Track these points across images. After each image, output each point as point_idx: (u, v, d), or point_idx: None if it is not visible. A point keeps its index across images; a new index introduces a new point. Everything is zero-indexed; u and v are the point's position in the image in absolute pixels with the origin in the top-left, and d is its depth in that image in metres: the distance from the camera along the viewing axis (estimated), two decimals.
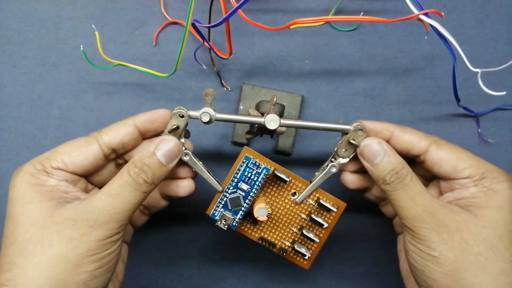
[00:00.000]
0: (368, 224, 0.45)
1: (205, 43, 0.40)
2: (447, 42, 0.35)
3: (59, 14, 0.44)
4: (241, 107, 0.43)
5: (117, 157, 0.36)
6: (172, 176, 0.37)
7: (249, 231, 0.38)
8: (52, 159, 0.33)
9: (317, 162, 0.44)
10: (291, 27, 0.35)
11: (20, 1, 0.44)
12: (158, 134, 0.35)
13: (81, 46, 0.40)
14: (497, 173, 0.33)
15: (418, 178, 0.33)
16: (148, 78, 0.44)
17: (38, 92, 0.44)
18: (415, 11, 0.34)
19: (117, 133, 0.34)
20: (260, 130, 0.38)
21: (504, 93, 0.38)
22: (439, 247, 0.31)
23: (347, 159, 0.36)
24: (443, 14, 0.35)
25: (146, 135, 0.35)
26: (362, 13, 0.43)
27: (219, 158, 0.44)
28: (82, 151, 0.33)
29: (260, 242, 0.38)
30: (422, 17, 0.34)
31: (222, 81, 0.43)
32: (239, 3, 0.34)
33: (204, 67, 0.43)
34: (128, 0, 0.44)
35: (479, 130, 0.44)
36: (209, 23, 0.40)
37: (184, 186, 0.36)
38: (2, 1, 0.44)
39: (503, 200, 0.32)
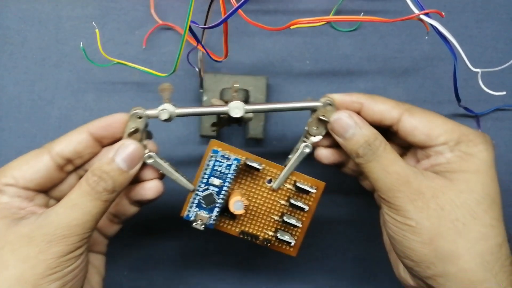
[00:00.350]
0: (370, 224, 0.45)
1: (199, 45, 0.39)
2: (448, 42, 0.35)
3: (59, 14, 0.44)
4: (204, 98, 0.41)
5: (77, 168, 0.34)
6: (136, 179, 0.34)
7: (229, 227, 0.36)
8: (1, 176, 0.31)
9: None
10: (292, 27, 0.35)
11: (20, 1, 0.44)
12: (118, 139, 0.33)
13: (81, 43, 0.40)
14: (473, 136, 0.31)
15: (392, 148, 0.32)
16: (148, 78, 0.44)
17: (38, 92, 0.44)
18: (416, 11, 0.34)
19: (69, 142, 0.32)
20: (225, 120, 0.36)
21: (504, 93, 0.38)
22: (415, 216, 0.30)
23: (320, 137, 0.35)
24: (443, 14, 0.35)
25: (104, 142, 0.33)
26: (362, 13, 0.43)
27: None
28: (32, 164, 0.31)
29: (241, 236, 0.36)
30: (423, 17, 0.34)
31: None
32: (240, 3, 0.33)
33: (197, 69, 0.42)
34: (128, 0, 0.44)
35: (479, 130, 0.44)
36: (205, 24, 0.40)
37: (150, 188, 0.34)
38: (2, 1, 0.44)
39: (480, 163, 0.31)
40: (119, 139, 0.33)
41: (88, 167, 0.33)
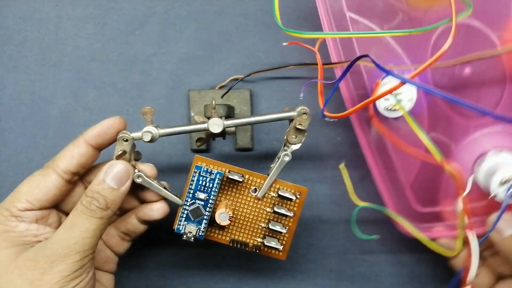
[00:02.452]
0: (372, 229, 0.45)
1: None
2: None
3: (59, 14, 0.44)
4: (192, 114, 0.43)
5: (82, 177, 0.36)
6: (144, 200, 0.37)
7: (219, 236, 0.38)
8: (16, 202, 0.33)
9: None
10: None
11: (20, 1, 0.44)
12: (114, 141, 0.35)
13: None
14: None
15: None
16: (148, 78, 0.44)
17: (38, 92, 0.44)
18: None
19: (72, 158, 0.34)
20: (209, 135, 0.38)
21: None
22: None
23: (299, 145, 0.36)
24: None
25: (103, 148, 0.36)
26: None
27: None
28: (42, 186, 0.33)
29: (232, 244, 0.38)
30: None
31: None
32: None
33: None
34: (128, 0, 0.44)
35: None
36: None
37: (157, 209, 0.37)
38: (2, 1, 0.44)
39: None
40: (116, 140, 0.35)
41: (92, 175, 0.36)
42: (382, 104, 0.37)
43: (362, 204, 0.39)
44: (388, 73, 0.32)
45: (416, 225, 0.39)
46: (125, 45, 0.44)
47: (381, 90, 0.37)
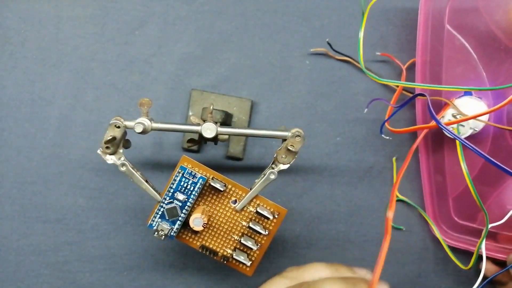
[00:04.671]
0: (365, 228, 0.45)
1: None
2: None
3: (59, 14, 0.44)
4: (190, 113, 0.43)
5: None
6: None
7: (191, 240, 0.38)
8: None
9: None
10: None
11: (20, 1, 0.44)
12: None
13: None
14: None
15: None
16: (148, 78, 0.44)
17: (38, 92, 0.44)
18: None
19: None
20: (201, 138, 0.38)
21: None
22: None
23: (287, 165, 0.36)
24: None
25: None
26: None
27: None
28: None
29: (201, 250, 0.37)
30: None
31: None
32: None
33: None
34: (128, 0, 0.44)
35: None
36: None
37: None
38: (2, 1, 0.44)
39: None
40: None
41: None
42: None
43: (400, 197, 0.44)
44: (438, 123, 0.33)
45: (449, 232, 0.42)
46: (125, 45, 0.44)
47: (449, 112, 0.38)
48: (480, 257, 0.38)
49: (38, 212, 0.44)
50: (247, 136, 0.36)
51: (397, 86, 0.42)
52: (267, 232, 0.37)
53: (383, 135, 0.41)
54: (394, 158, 0.43)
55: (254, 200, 0.37)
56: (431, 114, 0.33)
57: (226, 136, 0.38)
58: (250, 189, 0.36)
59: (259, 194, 0.36)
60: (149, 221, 0.36)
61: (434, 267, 0.45)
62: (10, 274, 0.44)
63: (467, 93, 0.38)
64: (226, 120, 0.41)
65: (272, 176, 0.36)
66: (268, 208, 0.37)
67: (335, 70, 0.44)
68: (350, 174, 0.44)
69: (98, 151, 0.35)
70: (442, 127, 0.33)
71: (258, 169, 0.43)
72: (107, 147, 0.35)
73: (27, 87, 0.44)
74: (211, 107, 0.37)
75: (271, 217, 0.36)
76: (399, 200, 0.44)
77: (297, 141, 0.35)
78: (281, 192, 0.44)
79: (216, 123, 0.36)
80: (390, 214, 0.29)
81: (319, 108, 0.44)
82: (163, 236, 0.36)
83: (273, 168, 0.36)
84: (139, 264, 0.44)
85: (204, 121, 0.37)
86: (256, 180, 0.37)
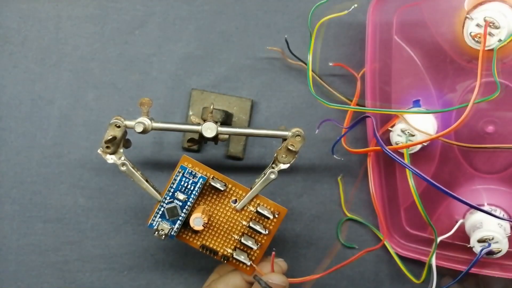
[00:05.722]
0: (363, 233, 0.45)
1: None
2: None
3: (59, 14, 0.44)
4: (190, 113, 0.43)
5: None
6: None
7: (191, 239, 0.38)
8: None
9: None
10: None
11: (20, 1, 0.44)
12: None
13: None
14: None
15: None
16: (147, 78, 0.44)
17: (38, 92, 0.44)
18: None
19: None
20: (201, 137, 0.38)
21: None
22: None
23: (288, 165, 0.36)
24: None
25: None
26: None
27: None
28: None
29: (201, 250, 0.38)
30: None
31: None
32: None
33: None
34: (128, 0, 0.44)
35: None
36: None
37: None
38: (2, 1, 0.44)
39: None
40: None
41: None
42: (394, 139, 0.38)
43: (350, 216, 0.44)
44: (384, 148, 0.35)
45: (402, 242, 0.43)
46: (125, 45, 0.44)
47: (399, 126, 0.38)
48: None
49: (38, 212, 0.44)
50: (247, 135, 0.36)
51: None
52: (267, 232, 0.37)
53: (335, 156, 0.41)
54: (339, 178, 0.44)
55: (255, 200, 0.37)
56: (376, 139, 0.34)
57: (227, 136, 0.38)
58: (250, 189, 0.36)
59: (260, 193, 0.36)
60: (150, 221, 0.36)
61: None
62: (10, 274, 0.44)
63: (416, 104, 0.38)
64: (227, 119, 0.42)
65: (273, 176, 0.36)
66: (268, 207, 0.37)
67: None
68: (350, 174, 0.44)
69: (99, 151, 0.35)
70: (387, 151, 0.34)
71: (258, 169, 0.43)
72: (107, 147, 0.35)
73: (27, 87, 0.44)
74: (212, 107, 0.37)
75: (271, 217, 0.36)
76: (350, 219, 0.44)
77: (297, 141, 0.36)
78: (281, 191, 0.44)
79: (216, 122, 0.36)
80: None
81: (319, 108, 0.44)
82: (164, 236, 0.36)
83: (273, 168, 0.36)
84: (139, 263, 0.44)
85: (204, 120, 0.37)
86: (256, 180, 0.37)
